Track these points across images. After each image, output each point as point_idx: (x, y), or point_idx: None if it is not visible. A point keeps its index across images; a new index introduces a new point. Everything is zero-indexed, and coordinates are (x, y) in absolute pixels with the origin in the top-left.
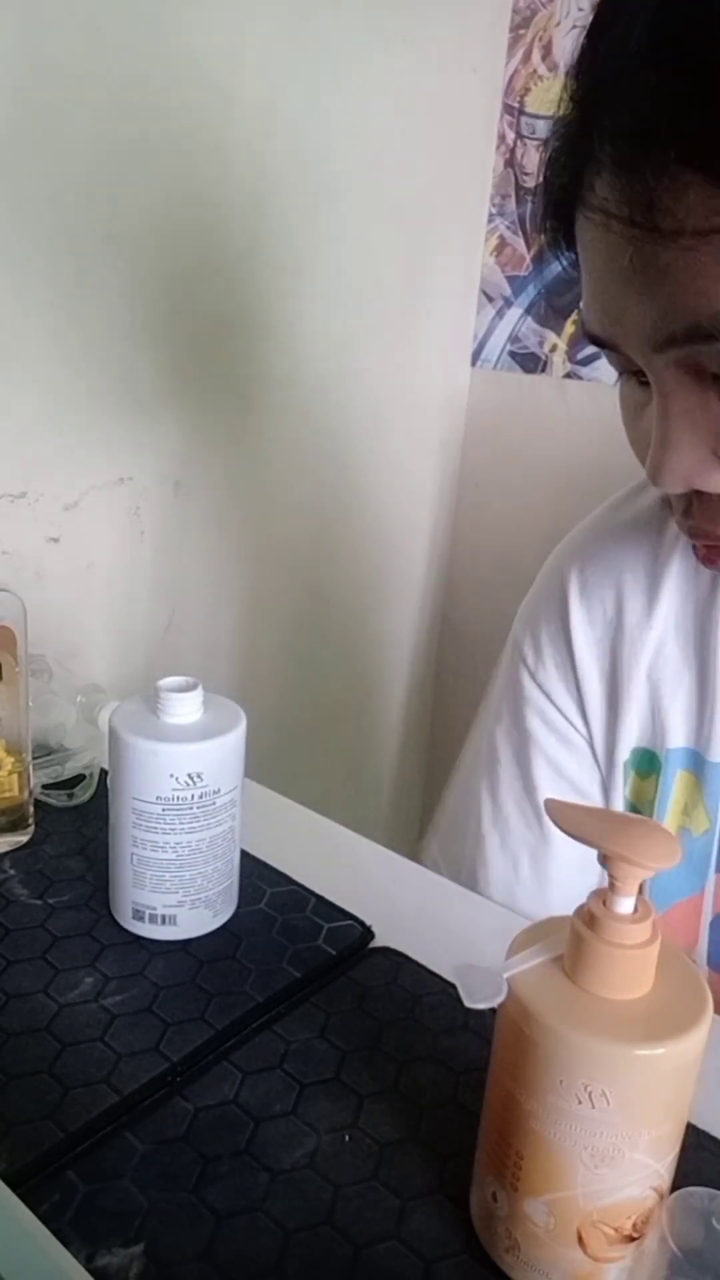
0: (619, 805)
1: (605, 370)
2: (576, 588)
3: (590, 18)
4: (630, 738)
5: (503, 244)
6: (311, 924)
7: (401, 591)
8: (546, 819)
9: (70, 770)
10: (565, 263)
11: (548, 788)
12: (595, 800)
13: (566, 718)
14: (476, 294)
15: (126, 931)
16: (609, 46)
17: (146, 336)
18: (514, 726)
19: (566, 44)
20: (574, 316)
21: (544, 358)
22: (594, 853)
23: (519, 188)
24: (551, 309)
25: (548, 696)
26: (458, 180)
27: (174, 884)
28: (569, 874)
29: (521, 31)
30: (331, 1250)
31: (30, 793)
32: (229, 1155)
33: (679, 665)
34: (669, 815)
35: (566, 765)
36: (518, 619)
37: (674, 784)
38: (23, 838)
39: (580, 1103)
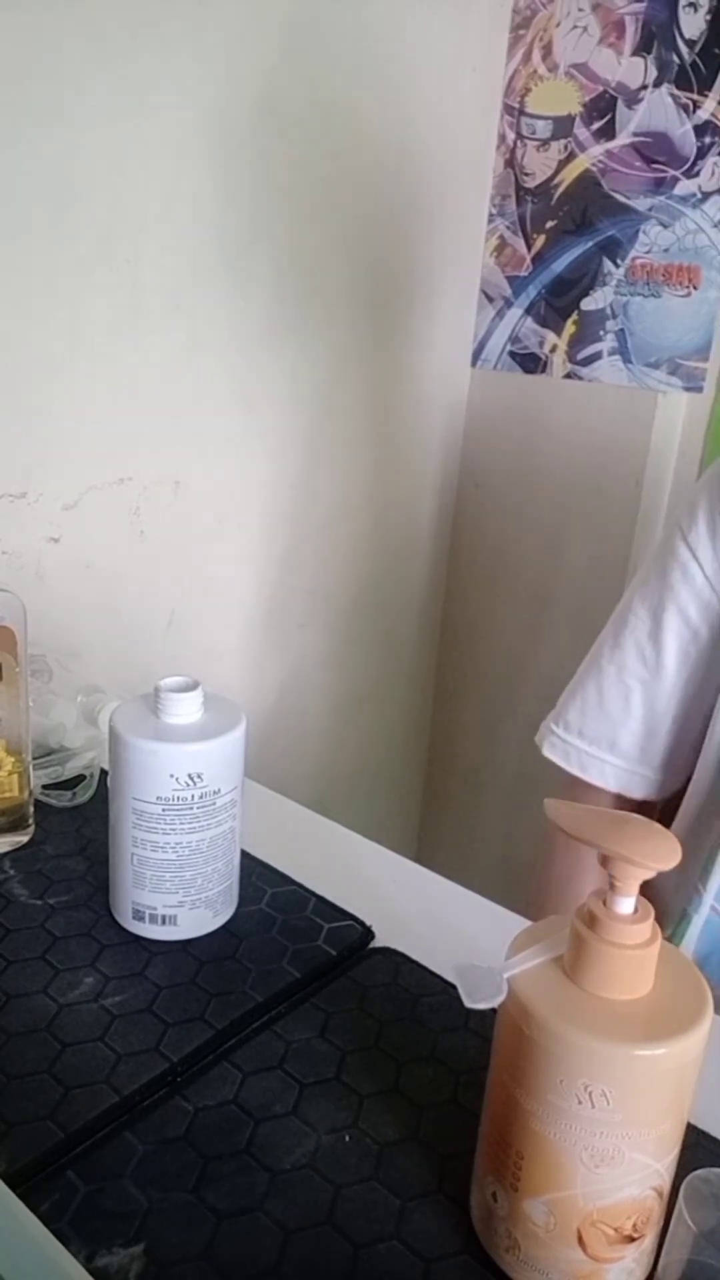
0: None
1: (605, 370)
2: None
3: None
4: None
5: (503, 244)
6: (311, 924)
7: (402, 591)
8: (665, 660)
9: (70, 770)
10: None
11: (673, 634)
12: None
13: (707, 576)
14: (476, 294)
15: (126, 932)
16: None
17: (146, 337)
18: (656, 583)
19: (567, 44)
20: (574, 316)
21: (544, 358)
22: (697, 700)
23: (519, 188)
24: (551, 309)
25: (694, 555)
26: (458, 180)
27: (174, 884)
28: (674, 705)
29: (521, 31)
30: (331, 1250)
31: (30, 793)
32: (229, 1155)
33: None
34: None
35: (694, 618)
36: (684, 505)
37: None
38: (23, 838)
39: (580, 1103)
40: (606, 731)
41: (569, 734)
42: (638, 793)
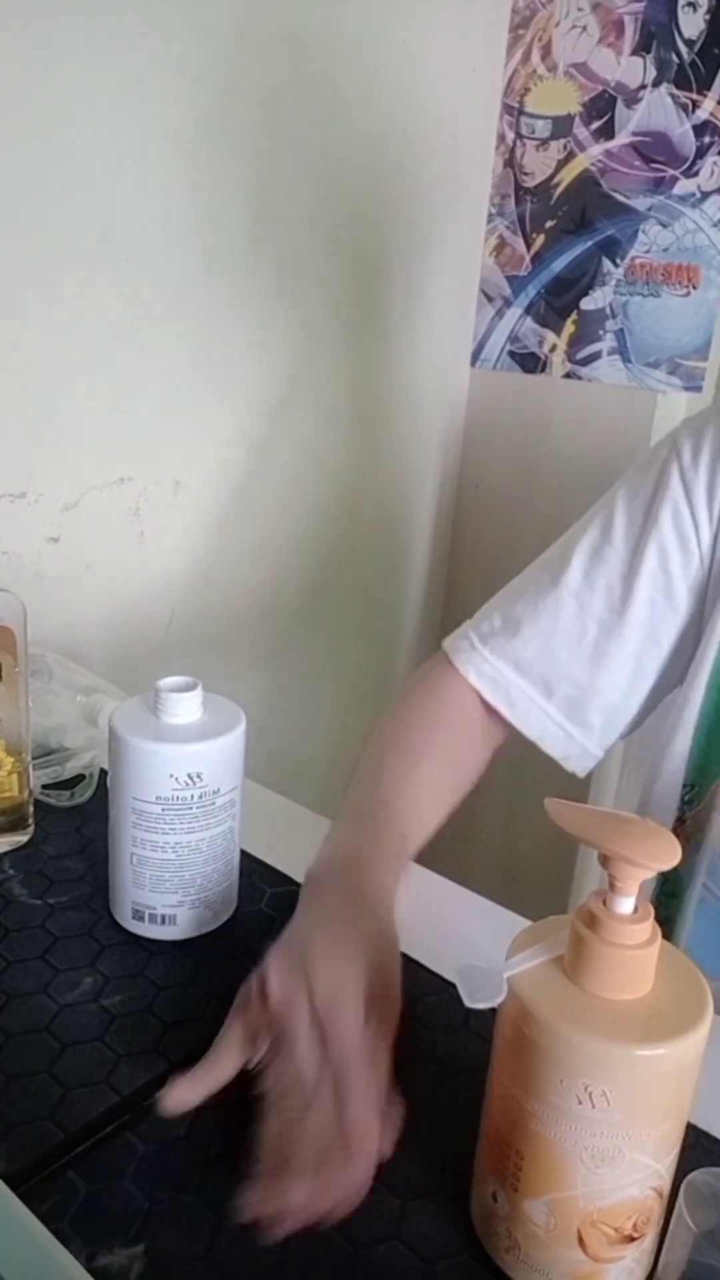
0: (715, 634)
1: (604, 369)
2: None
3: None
4: None
5: (503, 244)
6: None
7: (401, 591)
8: (632, 607)
9: (70, 770)
10: None
11: (649, 579)
12: (682, 617)
13: (695, 522)
14: (476, 294)
15: (126, 931)
16: None
17: (146, 337)
18: (642, 509)
19: (566, 44)
20: (573, 316)
21: (544, 358)
22: (651, 664)
23: (518, 187)
24: (551, 309)
25: (688, 495)
26: (458, 180)
27: (174, 884)
28: (625, 664)
29: (521, 31)
30: (331, 1250)
31: (30, 793)
32: (229, 1155)
33: None
34: None
35: (673, 563)
36: (683, 423)
37: None
38: (23, 838)
39: (580, 1103)
40: (546, 670)
41: (499, 658)
42: (555, 750)
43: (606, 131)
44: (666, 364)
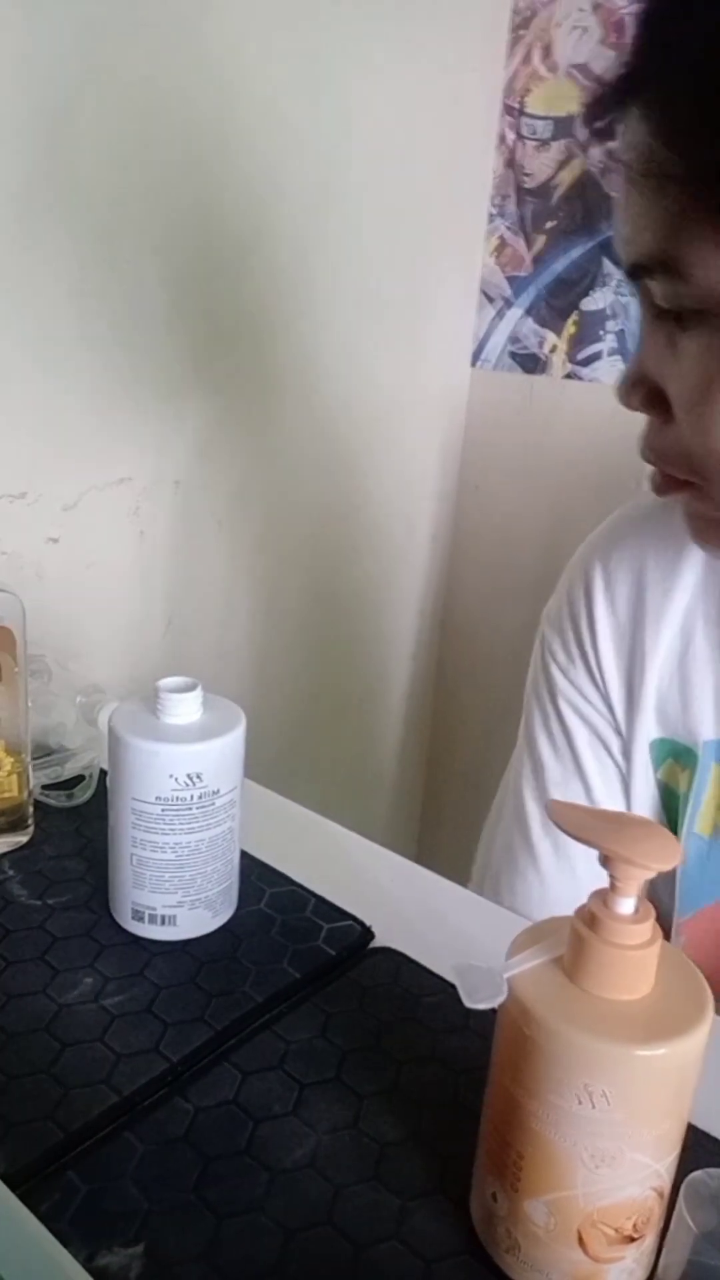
0: (643, 798)
1: (605, 370)
2: (600, 581)
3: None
4: (649, 728)
5: (503, 244)
6: (311, 924)
7: (402, 591)
8: (596, 798)
9: (70, 770)
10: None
11: (594, 772)
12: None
13: (596, 709)
14: (476, 294)
15: (126, 932)
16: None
17: (146, 337)
18: (553, 723)
19: (567, 44)
20: (574, 316)
21: (544, 358)
22: None
23: (519, 188)
24: (551, 309)
25: (578, 690)
26: (458, 180)
27: (174, 884)
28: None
29: (521, 31)
30: (331, 1250)
31: (30, 793)
32: (229, 1155)
33: (708, 655)
34: (702, 810)
35: (607, 752)
36: (544, 618)
37: (710, 779)
38: (22, 838)
39: (580, 1103)
40: (550, 893)
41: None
42: None
43: (608, 132)
44: None
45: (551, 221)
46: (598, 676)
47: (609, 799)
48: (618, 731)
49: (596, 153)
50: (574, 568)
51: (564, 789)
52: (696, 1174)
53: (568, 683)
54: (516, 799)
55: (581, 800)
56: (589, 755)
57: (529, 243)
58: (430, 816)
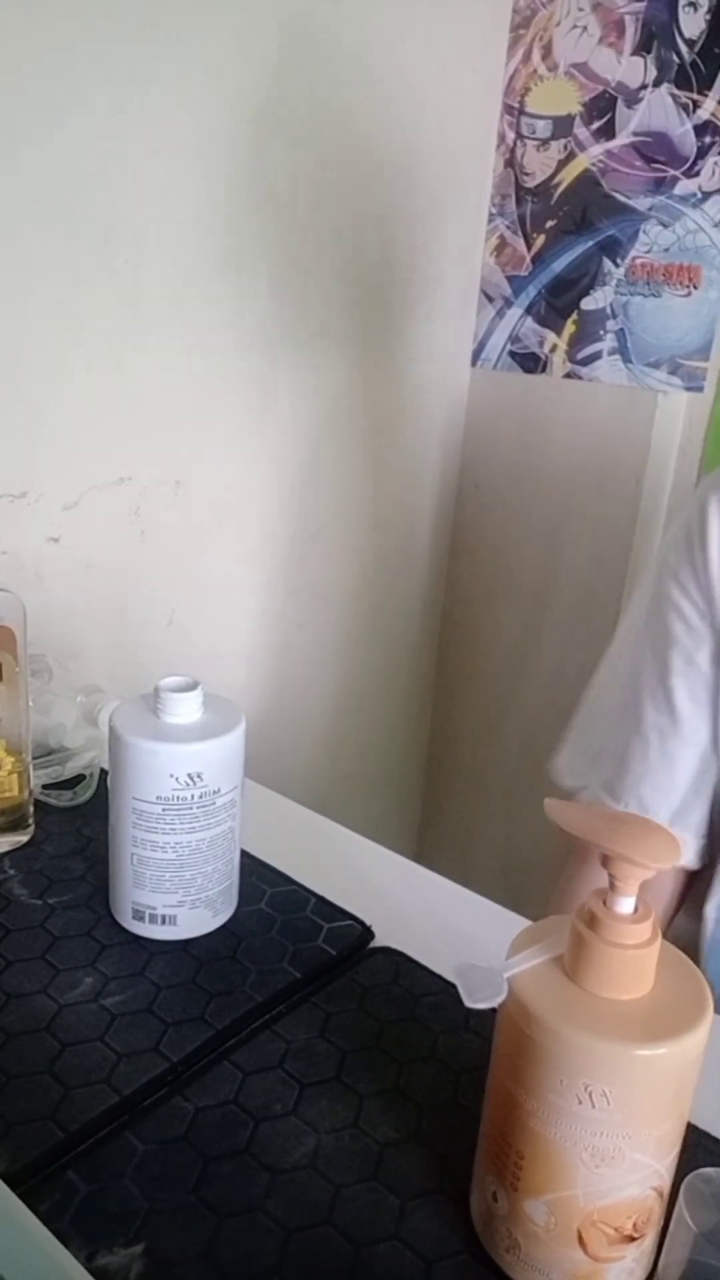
0: None
1: (605, 369)
2: (715, 509)
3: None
4: None
5: (503, 244)
6: (311, 924)
7: (402, 591)
8: (677, 704)
9: (70, 770)
10: None
11: (680, 675)
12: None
13: (700, 614)
14: (476, 294)
15: (126, 931)
16: None
17: (146, 337)
18: (656, 628)
19: (566, 44)
20: (574, 316)
21: (544, 358)
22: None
23: (519, 187)
24: (551, 308)
25: (687, 595)
26: (458, 180)
27: (174, 884)
28: (692, 753)
29: (521, 31)
30: (331, 1250)
31: (30, 793)
32: (229, 1155)
33: None
34: None
35: (698, 656)
36: (663, 544)
37: None
38: (23, 838)
39: (580, 1102)
40: (635, 789)
41: (601, 792)
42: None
43: (607, 131)
44: (667, 364)
45: (551, 221)
46: (707, 587)
47: (695, 714)
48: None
49: (596, 151)
50: (693, 503)
51: (649, 680)
52: (696, 1174)
53: (680, 591)
54: (608, 697)
55: (664, 706)
56: (678, 654)
57: (529, 242)
58: (430, 816)
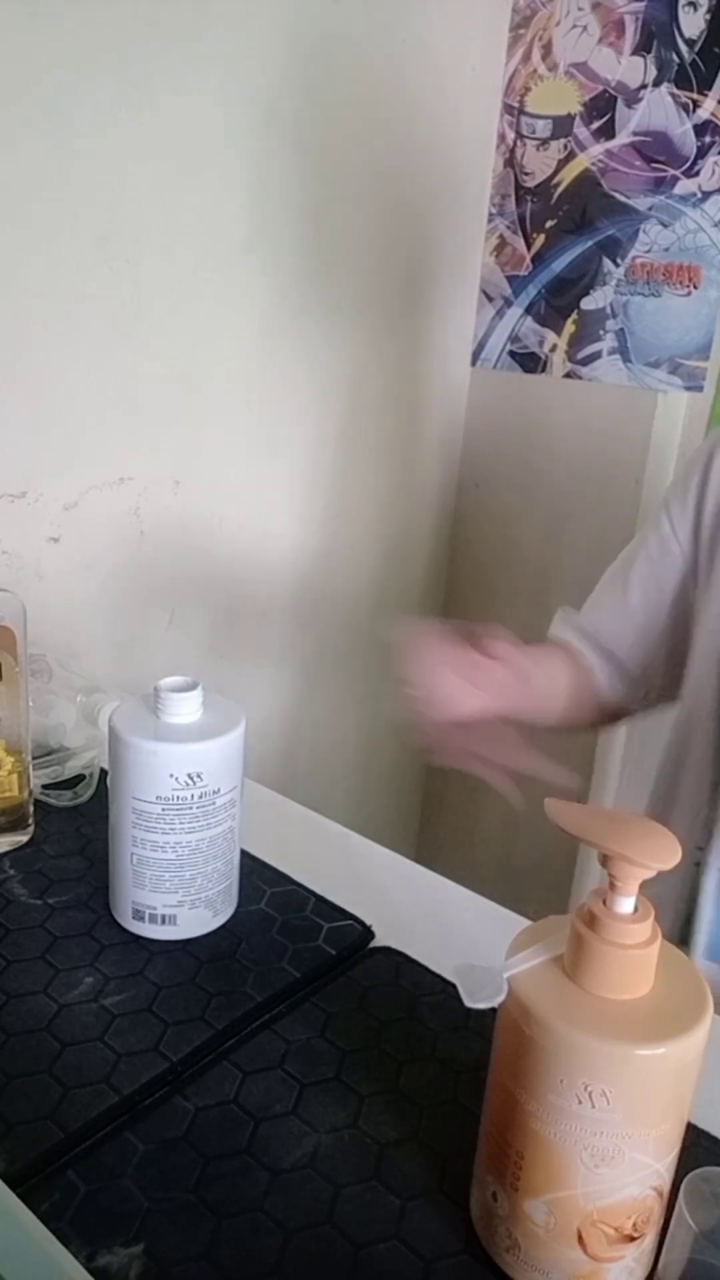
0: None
1: (605, 370)
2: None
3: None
4: None
5: (503, 244)
6: (311, 924)
7: (401, 591)
8: (631, 590)
9: (70, 770)
10: None
11: (641, 571)
12: (670, 595)
13: (676, 534)
14: (476, 294)
15: (126, 931)
16: None
17: (146, 337)
18: (639, 540)
19: (566, 43)
20: (574, 316)
21: (544, 357)
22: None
23: (519, 187)
24: (551, 308)
25: (669, 517)
26: (458, 180)
27: (174, 884)
28: (635, 615)
29: (521, 31)
30: (331, 1250)
31: (30, 793)
32: (229, 1155)
33: None
34: None
35: (660, 563)
36: (667, 492)
37: None
38: (23, 838)
39: (580, 1102)
40: (585, 617)
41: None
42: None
43: (607, 131)
44: (667, 364)
45: (551, 221)
46: (691, 511)
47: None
48: (685, 555)
49: (596, 151)
50: (698, 451)
51: (622, 568)
52: (696, 1174)
53: (665, 514)
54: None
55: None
56: (643, 556)
57: (529, 242)
58: (430, 816)
